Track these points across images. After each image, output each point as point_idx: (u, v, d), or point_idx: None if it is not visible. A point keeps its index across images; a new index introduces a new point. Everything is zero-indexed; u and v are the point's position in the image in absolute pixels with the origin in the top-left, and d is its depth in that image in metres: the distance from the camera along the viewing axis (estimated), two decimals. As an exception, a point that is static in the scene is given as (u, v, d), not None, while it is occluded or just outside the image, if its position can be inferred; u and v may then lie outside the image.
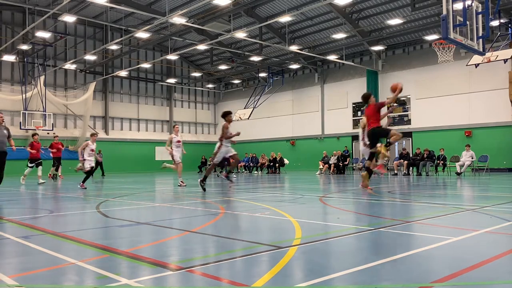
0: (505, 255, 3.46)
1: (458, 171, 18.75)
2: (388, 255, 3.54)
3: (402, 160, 21.18)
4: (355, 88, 29.01)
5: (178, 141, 13.24)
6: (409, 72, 26.51)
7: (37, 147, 16.19)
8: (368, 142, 9.56)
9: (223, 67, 32.59)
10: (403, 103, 27.31)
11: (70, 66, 28.55)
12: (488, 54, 16.55)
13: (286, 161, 27.91)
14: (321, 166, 24.35)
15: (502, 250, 3.65)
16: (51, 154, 17.44)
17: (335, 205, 7.43)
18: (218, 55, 31.38)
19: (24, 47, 25.55)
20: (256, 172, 28.85)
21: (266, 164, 28.21)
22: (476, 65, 18.20)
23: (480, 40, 8.98)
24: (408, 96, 26.74)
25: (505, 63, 18.81)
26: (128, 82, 34.09)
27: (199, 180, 10.29)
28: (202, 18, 23.85)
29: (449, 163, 20.01)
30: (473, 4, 8.52)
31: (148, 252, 3.76)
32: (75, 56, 29.80)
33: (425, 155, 20.26)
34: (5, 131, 9.47)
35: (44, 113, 27.71)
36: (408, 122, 26.81)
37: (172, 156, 13.06)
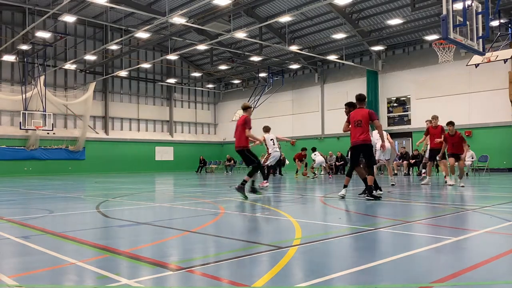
0: (505, 255, 3.46)
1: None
2: (388, 255, 3.54)
3: (401, 161, 21.18)
4: (355, 88, 28.97)
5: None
6: (409, 72, 26.51)
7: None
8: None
9: (223, 67, 32.58)
10: (403, 103, 27.31)
11: (70, 66, 28.54)
12: (488, 54, 16.53)
13: (286, 161, 27.88)
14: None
15: (502, 250, 3.65)
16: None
17: (335, 205, 7.43)
18: (218, 55, 31.37)
19: (24, 47, 25.55)
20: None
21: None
22: (476, 65, 18.19)
23: (480, 40, 8.97)
24: (408, 96, 26.74)
25: (505, 63, 18.79)
26: (128, 82, 34.09)
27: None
28: (202, 18, 23.85)
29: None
30: (473, 4, 8.51)
31: (148, 252, 3.76)
32: (75, 56, 29.79)
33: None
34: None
35: (44, 113, 27.70)
36: (408, 122, 26.81)
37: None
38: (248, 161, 8.91)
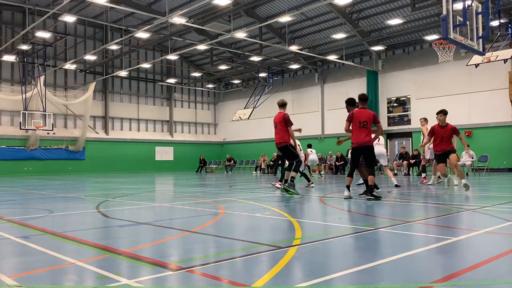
0: (505, 255, 3.46)
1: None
2: (388, 255, 3.54)
3: (401, 161, 21.18)
4: (355, 88, 28.97)
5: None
6: (409, 72, 26.50)
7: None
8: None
9: (223, 67, 32.57)
10: (403, 103, 27.30)
11: (70, 66, 28.53)
12: (488, 54, 16.53)
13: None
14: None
15: (502, 250, 3.65)
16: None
17: (335, 205, 7.43)
18: (218, 55, 31.37)
19: (24, 47, 25.55)
20: (254, 172, 28.87)
21: (262, 164, 28.25)
22: (476, 65, 18.19)
23: (480, 40, 8.97)
24: (408, 96, 26.73)
25: (505, 63, 18.80)
26: (128, 82, 34.08)
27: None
28: (202, 18, 23.84)
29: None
30: (473, 4, 8.51)
31: (148, 252, 3.76)
32: (75, 56, 29.78)
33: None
34: None
35: (44, 113, 27.70)
36: (408, 122, 26.80)
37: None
38: (291, 157, 9.25)
